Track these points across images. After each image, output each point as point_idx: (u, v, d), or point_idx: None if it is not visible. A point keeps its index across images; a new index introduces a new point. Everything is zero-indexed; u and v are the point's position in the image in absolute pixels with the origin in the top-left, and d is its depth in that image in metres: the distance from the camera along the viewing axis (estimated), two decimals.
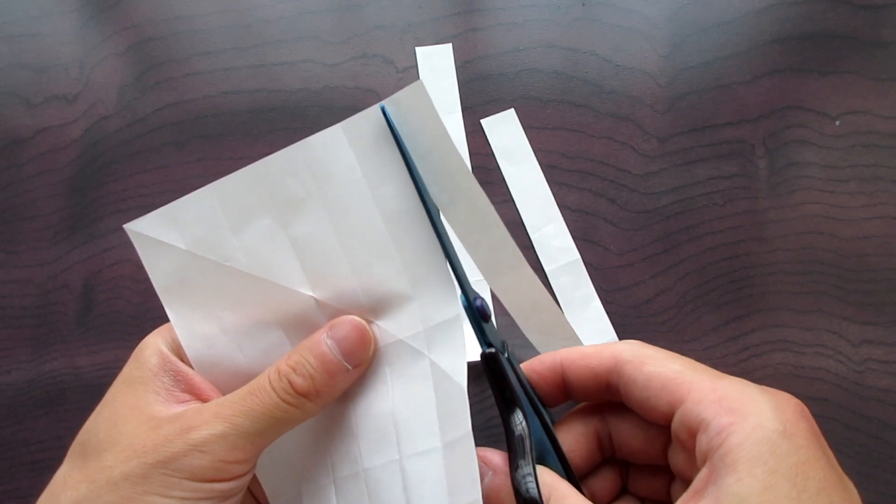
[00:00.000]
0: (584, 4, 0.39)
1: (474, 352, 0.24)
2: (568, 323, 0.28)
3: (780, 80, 0.38)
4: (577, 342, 0.26)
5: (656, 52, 0.38)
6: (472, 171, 0.37)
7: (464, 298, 0.24)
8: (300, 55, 0.40)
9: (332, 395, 0.24)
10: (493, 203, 0.37)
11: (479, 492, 0.24)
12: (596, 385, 0.24)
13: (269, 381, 0.23)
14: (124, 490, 0.21)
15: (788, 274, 0.35)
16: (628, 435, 0.24)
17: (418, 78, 0.39)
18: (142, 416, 0.23)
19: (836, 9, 0.38)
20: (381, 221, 0.24)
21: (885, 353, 0.34)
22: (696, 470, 0.20)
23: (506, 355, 0.24)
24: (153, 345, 0.25)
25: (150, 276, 0.25)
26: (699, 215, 0.36)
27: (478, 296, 0.24)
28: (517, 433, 0.21)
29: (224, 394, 0.24)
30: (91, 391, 0.36)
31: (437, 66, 0.39)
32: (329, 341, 0.24)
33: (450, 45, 0.39)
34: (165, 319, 0.25)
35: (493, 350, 0.23)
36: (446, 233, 0.24)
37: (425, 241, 0.24)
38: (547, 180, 0.37)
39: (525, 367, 0.25)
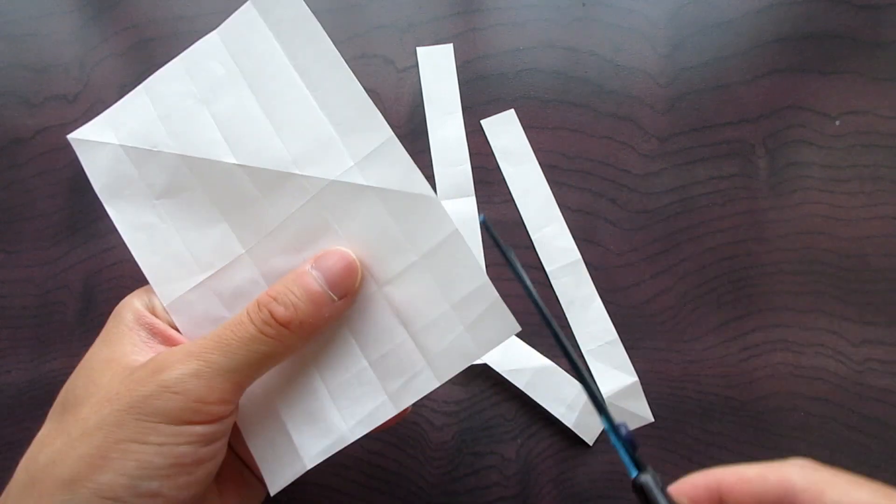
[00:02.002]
0: (584, 4, 0.39)
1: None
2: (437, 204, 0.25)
3: (780, 80, 0.38)
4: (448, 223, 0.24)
5: (656, 52, 0.38)
6: (473, 171, 0.38)
7: (607, 424, 0.21)
8: None
9: (315, 327, 0.23)
10: (494, 203, 0.38)
11: (483, 275, 0.23)
12: None
13: (248, 313, 0.23)
14: (98, 439, 0.20)
15: (788, 274, 0.35)
16: None
17: (419, 78, 0.39)
18: (118, 367, 0.22)
19: (836, 9, 0.38)
20: (300, 80, 0.25)
21: (885, 353, 0.34)
22: None
23: (649, 475, 0.20)
24: (128, 304, 0.25)
25: (90, 178, 0.26)
26: (699, 215, 0.36)
27: (622, 423, 0.21)
28: None
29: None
30: None
31: (437, 66, 0.39)
32: (314, 272, 0.23)
33: (451, 45, 0.39)
34: None
35: (646, 477, 0.20)
36: (572, 346, 0.21)
37: (347, 91, 0.24)
38: (547, 180, 0.37)
39: (675, 489, 0.21)
